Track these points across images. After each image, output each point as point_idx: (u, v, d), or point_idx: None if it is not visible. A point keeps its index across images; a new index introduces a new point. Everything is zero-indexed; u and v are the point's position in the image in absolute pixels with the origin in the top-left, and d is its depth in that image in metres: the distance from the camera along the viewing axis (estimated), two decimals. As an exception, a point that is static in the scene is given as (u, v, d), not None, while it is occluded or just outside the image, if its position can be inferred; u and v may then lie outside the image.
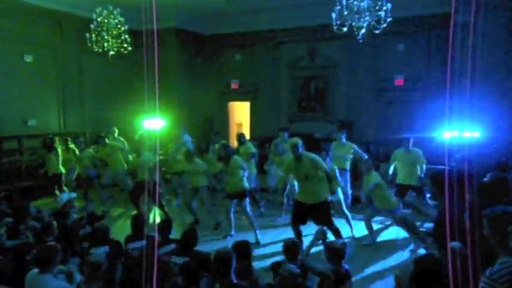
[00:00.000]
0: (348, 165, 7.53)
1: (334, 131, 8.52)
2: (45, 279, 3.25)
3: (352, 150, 7.51)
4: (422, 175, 6.80)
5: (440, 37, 9.82)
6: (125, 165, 8.23)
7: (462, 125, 5.97)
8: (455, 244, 2.49)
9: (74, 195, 6.13)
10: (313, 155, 5.50)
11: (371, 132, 10.79)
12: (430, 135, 7.96)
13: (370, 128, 10.84)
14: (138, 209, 7.08)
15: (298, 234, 5.40)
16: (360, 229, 6.36)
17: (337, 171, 6.32)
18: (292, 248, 3.72)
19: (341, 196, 6.38)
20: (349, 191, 7.60)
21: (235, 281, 3.08)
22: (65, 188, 7.94)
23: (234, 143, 12.89)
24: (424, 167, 6.88)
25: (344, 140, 7.64)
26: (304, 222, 5.52)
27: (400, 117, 10.38)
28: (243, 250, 3.55)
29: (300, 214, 5.47)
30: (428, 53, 10.31)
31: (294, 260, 3.59)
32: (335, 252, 3.47)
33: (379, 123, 10.75)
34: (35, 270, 3.32)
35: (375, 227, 6.39)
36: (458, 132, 6.27)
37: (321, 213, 5.32)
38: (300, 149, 5.45)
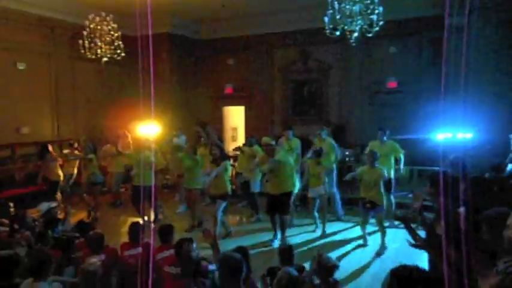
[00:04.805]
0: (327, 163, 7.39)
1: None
2: (40, 287, 3.20)
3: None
4: (401, 166, 7.10)
5: (432, 39, 9.90)
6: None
7: (456, 126, 6.03)
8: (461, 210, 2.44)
9: (54, 204, 5.95)
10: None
11: (364, 135, 10.80)
12: (423, 136, 8.02)
13: (363, 130, 10.87)
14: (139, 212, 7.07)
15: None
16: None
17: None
18: (286, 252, 3.74)
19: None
20: (334, 190, 7.57)
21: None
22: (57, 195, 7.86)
23: (228, 147, 12.91)
24: (402, 158, 7.02)
25: (324, 136, 7.63)
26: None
27: (394, 119, 10.41)
28: (245, 255, 3.52)
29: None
30: (419, 55, 10.39)
31: (290, 264, 3.57)
32: (326, 269, 3.32)
33: (373, 125, 10.77)
34: (29, 279, 3.27)
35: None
36: (452, 134, 6.33)
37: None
38: None
